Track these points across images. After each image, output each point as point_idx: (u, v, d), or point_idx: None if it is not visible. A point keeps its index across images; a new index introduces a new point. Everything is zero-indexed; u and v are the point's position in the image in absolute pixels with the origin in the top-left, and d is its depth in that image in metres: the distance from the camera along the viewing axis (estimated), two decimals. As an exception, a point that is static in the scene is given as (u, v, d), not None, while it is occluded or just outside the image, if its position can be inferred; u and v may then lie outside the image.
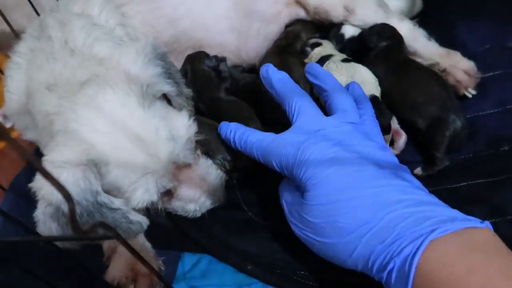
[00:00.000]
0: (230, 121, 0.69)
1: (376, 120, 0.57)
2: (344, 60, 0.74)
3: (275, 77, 0.60)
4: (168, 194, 0.57)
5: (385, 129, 0.65)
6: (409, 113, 0.68)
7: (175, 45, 0.84)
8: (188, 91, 0.64)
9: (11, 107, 0.65)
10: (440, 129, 0.65)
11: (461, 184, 0.64)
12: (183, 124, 0.54)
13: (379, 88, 0.70)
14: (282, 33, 0.88)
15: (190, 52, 0.84)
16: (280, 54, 0.83)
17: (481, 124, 0.71)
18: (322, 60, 0.78)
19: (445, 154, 0.65)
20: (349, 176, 0.45)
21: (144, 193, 0.50)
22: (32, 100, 0.57)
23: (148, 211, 0.57)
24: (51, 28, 0.61)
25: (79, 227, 0.32)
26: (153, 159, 0.50)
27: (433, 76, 0.71)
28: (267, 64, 0.62)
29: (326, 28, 0.90)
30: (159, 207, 0.58)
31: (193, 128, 0.56)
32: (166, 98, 0.59)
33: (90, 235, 0.35)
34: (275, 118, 0.73)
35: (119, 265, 0.58)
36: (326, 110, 0.58)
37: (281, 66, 0.80)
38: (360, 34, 0.84)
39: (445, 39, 0.83)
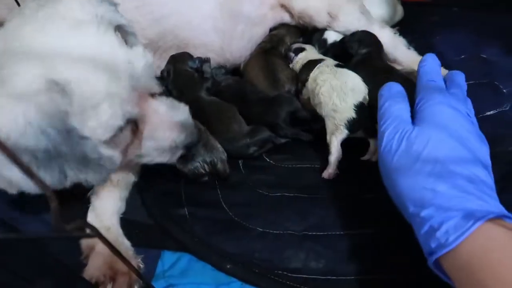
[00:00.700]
0: (214, 121, 0.69)
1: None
2: (337, 65, 0.75)
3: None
4: (135, 133, 0.56)
5: (371, 134, 0.68)
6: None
7: (160, 43, 0.84)
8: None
9: None
10: None
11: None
12: (139, 52, 0.54)
13: (367, 98, 0.71)
14: (266, 36, 0.90)
15: (174, 50, 0.84)
16: (264, 56, 0.84)
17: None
18: (310, 64, 0.79)
19: None
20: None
21: (110, 117, 0.49)
22: None
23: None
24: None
25: (61, 225, 0.32)
26: (114, 80, 0.49)
27: (408, 83, 0.72)
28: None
29: (309, 32, 0.91)
30: (128, 156, 0.56)
31: (150, 57, 0.55)
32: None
33: (72, 233, 0.35)
34: (261, 117, 0.74)
35: (97, 263, 0.57)
36: None
37: (266, 67, 0.83)
38: (342, 40, 0.86)
39: (423, 48, 0.86)
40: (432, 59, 0.63)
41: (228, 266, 0.59)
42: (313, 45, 0.89)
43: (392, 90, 0.59)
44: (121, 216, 0.66)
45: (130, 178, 0.69)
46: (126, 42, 0.56)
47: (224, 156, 0.69)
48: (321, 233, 0.62)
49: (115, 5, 0.57)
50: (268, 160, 0.74)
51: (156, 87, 0.57)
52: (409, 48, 0.86)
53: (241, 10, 0.87)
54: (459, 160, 0.47)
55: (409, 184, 0.49)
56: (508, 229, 0.42)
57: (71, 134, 0.46)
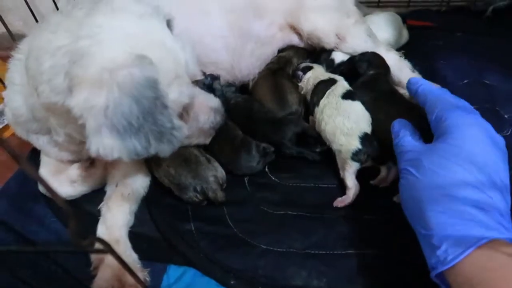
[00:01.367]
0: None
1: None
2: (344, 96, 0.76)
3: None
4: (182, 116, 0.62)
5: (380, 162, 0.70)
6: (387, 138, 0.71)
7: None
8: None
9: (14, 99, 0.64)
10: None
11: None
12: (182, 42, 0.59)
13: (370, 127, 0.72)
14: (274, 57, 0.92)
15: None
16: (273, 76, 0.87)
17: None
18: (321, 85, 0.80)
19: None
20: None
21: (179, 94, 0.56)
22: (38, 67, 0.53)
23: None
24: (51, 16, 0.61)
25: (79, 241, 0.34)
26: (178, 64, 0.56)
27: (411, 110, 0.72)
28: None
29: (316, 53, 0.94)
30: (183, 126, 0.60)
31: (191, 47, 0.61)
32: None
33: (87, 248, 0.37)
34: (267, 136, 0.77)
35: (106, 275, 0.59)
36: None
37: (274, 88, 0.85)
38: (351, 59, 0.88)
39: (427, 71, 0.88)
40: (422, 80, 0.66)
41: (232, 282, 0.61)
42: (320, 64, 0.91)
43: (402, 122, 0.63)
44: (129, 229, 0.68)
45: (140, 192, 0.72)
46: None
47: (214, 185, 0.69)
48: (323, 252, 0.63)
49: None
50: (273, 178, 0.76)
51: (199, 72, 0.65)
52: (413, 71, 0.87)
53: (251, 30, 0.90)
54: (468, 185, 0.48)
55: (416, 207, 0.51)
56: (508, 249, 0.43)
57: (158, 102, 0.50)
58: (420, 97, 0.63)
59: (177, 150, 0.57)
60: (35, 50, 0.55)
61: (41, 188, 0.73)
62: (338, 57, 0.91)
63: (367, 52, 0.86)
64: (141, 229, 0.69)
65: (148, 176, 0.75)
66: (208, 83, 0.82)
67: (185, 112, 0.63)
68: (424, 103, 0.61)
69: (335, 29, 0.88)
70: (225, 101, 0.84)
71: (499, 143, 0.54)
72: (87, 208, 0.72)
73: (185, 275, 0.64)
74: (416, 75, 0.87)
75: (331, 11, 0.88)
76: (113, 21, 0.53)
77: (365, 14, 0.99)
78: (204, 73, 0.83)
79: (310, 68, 0.88)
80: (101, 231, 0.66)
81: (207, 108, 0.69)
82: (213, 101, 0.70)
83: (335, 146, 0.72)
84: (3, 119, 0.95)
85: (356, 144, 0.69)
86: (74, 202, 0.72)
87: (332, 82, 0.80)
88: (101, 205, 0.69)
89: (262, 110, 0.81)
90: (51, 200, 0.72)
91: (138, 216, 0.71)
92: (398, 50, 0.94)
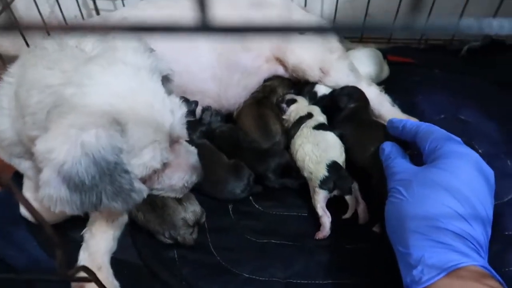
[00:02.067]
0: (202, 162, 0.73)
1: None
2: (315, 127, 0.80)
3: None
4: (158, 170, 0.61)
5: (346, 192, 0.72)
6: (366, 165, 0.74)
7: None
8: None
9: (0, 121, 0.64)
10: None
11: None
12: (176, 102, 0.60)
13: (343, 155, 0.75)
14: (259, 86, 0.95)
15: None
16: (257, 106, 0.89)
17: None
18: (300, 121, 0.83)
19: None
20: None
21: (151, 158, 0.56)
22: (27, 98, 0.56)
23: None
24: (46, 43, 0.62)
25: (65, 270, 0.35)
26: (160, 128, 0.56)
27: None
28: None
29: (301, 84, 0.97)
30: (151, 186, 0.62)
31: (184, 107, 0.62)
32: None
33: (73, 277, 0.38)
34: (252, 166, 0.78)
35: (86, 303, 0.59)
36: None
37: (259, 118, 0.87)
38: (332, 94, 0.92)
39: (406, 106, 0.92)
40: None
41: (214, 311, 0.61)
42: (303, 96, 0.94)
43: (391, 144, 0.66)
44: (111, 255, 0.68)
45: (124, 218, 0.72)
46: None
47: (183, 229, 0.68)
48: (305, 282, 0.64)
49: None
50: (257, 206, 0.78)
51: (185, 135, 0.64)
52: (393, 105, 0.91)
53: (238, 61, 0.93)
54: (453, 213, 0.50)
55: (399, 226, 0.54)
56: (481, 276, 0.46)
57: (117, 167, 0.51)
58: (409, 131, 0.66)
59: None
60: (28, 82, 0.56)
61: (23, 211, 0.73)
62: (321, 90, 0.94)
63: (347, 86, 0.90)
64: (123, 255, 0.69)
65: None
66: (192, 109, 0.84)
67: (160, 169, 0.61)
68: (415, 135, 0.64)
69: (319, 63, 0.92)
70: (210, 129, 0.86)
71: (488, 176, 0.56)
72: (69, 234, 0.71)
73: (166, 304, 0.64)
74: (395, 109, 0.91)
75: (316, 47, 0.92)
76: (105, 76, 0.53)
77: (348, 49, 1.03)
78: (187, 100, 0.85)
79: (294, 101, 0.91)
80: (83, 257, 0.66)
81: (186, 166, 0.66)
82: (193, 158, 0.68)
83: (305, 174, 0.74)
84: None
85: (323, 172, 0.71)
86: (57, 227, 0.71)
87: (309, 116, 0.84)
88: (84, 231, 0.69)
89: (247, 140, 0.83)
90: (33, 224, 0.72)
91: (121, 241, 0.71)
92: (379, 84, 0.98)
